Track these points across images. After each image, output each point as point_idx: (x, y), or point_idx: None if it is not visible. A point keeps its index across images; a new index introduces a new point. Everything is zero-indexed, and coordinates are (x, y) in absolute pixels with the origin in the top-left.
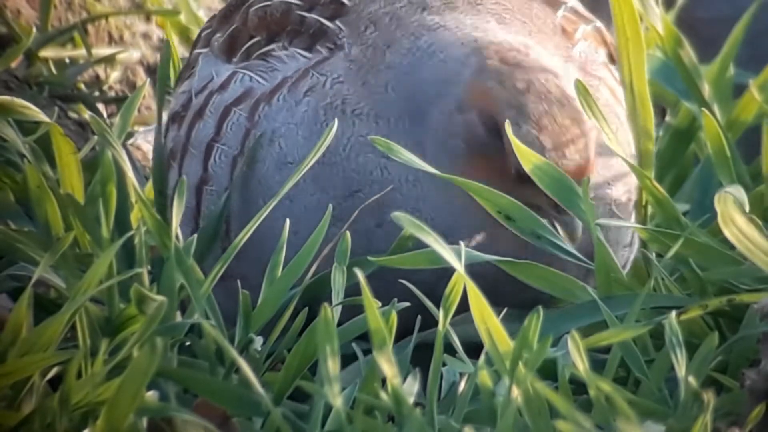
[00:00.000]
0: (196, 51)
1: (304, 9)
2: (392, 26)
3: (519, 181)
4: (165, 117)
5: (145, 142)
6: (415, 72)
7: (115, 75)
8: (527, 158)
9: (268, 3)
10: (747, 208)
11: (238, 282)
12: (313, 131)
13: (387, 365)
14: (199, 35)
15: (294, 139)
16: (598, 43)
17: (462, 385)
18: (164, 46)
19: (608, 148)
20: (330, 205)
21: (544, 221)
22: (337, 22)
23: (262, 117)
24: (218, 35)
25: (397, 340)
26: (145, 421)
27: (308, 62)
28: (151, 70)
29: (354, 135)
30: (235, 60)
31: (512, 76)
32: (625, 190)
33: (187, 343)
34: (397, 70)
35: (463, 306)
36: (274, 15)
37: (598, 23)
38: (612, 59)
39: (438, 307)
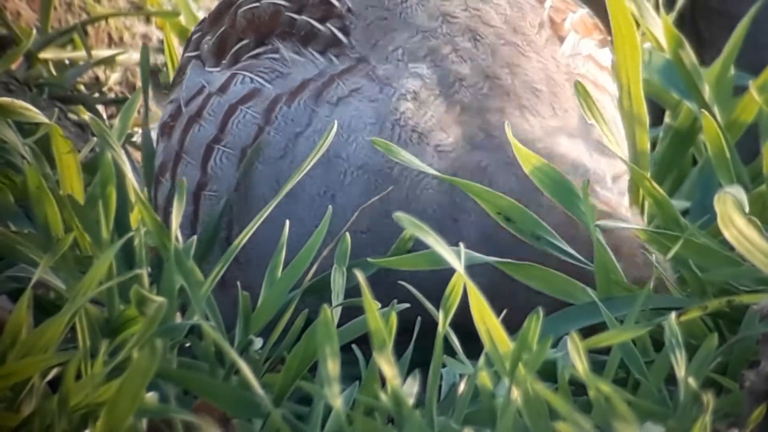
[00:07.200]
0: (187, 55)
1: (293, 11)
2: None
3: None
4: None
5: None
6: None
7: (114, 76)
8: (527, 160)
9: (256, 4)
10: (747, 209)
11: (239, 285)
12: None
13: (387, 366)
14: (190, 38)
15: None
16: (586, 30)
17: (462, 387)
18: (142, 49)
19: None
20: (330, 207)
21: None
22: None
23: (280, 117)
24: (208, 38)
25: (397, 340)
26: (144, 423)
27: (331, 67)
28: (151, 72)
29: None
30: (224, 62)
31: None
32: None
33: (187, 345)
34: None
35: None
36: (263, 17)
37: (585, 8)
38: (602, 42)
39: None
